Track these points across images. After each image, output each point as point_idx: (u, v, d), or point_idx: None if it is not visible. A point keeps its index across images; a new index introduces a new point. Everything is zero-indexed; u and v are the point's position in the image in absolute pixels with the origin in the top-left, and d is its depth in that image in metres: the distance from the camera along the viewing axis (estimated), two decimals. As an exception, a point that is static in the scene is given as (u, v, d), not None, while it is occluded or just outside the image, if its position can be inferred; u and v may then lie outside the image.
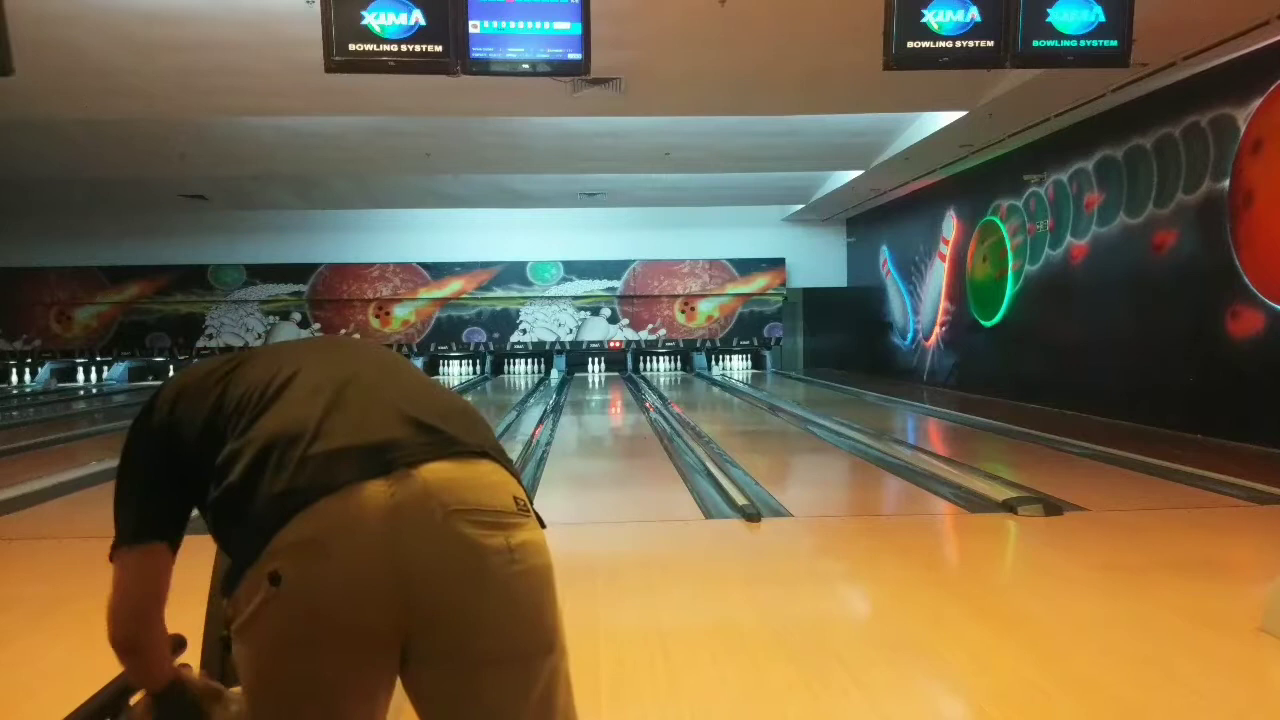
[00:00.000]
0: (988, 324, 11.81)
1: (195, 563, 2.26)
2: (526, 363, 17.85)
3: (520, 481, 1.35)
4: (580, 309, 17.74)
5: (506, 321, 17.70)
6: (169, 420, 1.41)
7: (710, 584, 3.74)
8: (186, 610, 2.21)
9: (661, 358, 18.09)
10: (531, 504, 1.34)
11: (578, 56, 5.34)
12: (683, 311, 17.88)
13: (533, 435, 8.50)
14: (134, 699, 1.53)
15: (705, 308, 17.86)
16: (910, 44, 5.34)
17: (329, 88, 6.63)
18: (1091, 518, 4.83)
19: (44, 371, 17.34)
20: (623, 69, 7.19)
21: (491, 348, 17.72)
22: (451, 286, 17.55)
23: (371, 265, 17.37)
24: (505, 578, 1.22)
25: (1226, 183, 7.31)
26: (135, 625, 1.41)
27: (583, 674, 2.80)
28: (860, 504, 6.11)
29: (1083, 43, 5.39)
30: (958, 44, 5.37)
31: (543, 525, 1.35)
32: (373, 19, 5.20)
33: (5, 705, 2.58)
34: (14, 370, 17.41)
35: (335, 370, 1.38)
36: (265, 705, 1.24)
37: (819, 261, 17.85)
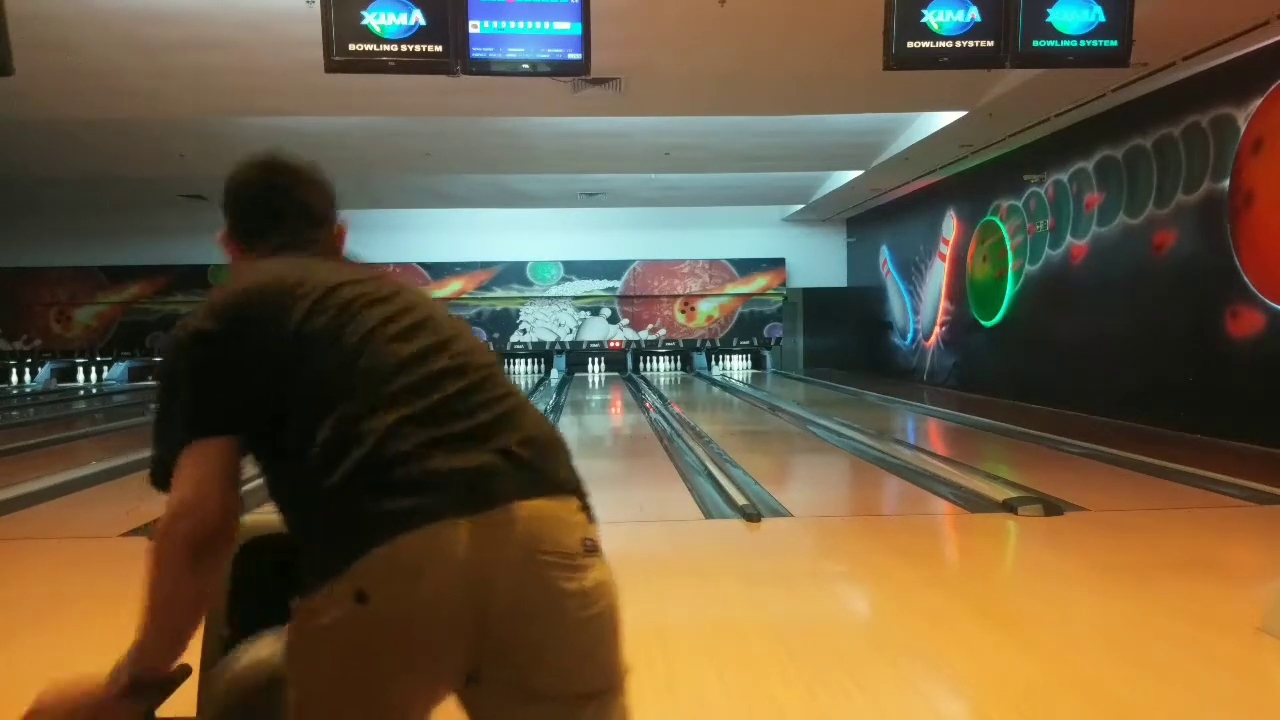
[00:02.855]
0: (988, 324, 11.81)
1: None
2: (526, 363, 17.85)
3: (592, 515, 1.34)
4: (580, 309, 17.74)
5: (506, 321, 17.70)
6: (234, 333, 1.30)
7: (710, 584, 3.74)
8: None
9: (661, 358, 18.09)
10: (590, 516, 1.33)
11: (578, 56, 5.35)
12: (683, 311, 17.88)
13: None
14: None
15: (705, 308, 17.86)
16: (910, 44, 5.35)
17: (329, 87, 6.63)
18: (1091, 518, 4.83)
19: (44, 371, 17.34)
20: (623, 69, 7.19)
21: (491, 348, 17.62)
22: (451, 286, 17.54)
23: (371, 265, 17.36)
24: (579, 621, 1.24)
25: (1226, 183, 7.31)
26: (201, 548, 1.23)
27: (583, 674, 2.81)
28: (860, 504, 6.11)
29: (1083, 43, 5.40)
30: (958, 44, 5.38)
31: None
32: (373, 19, 5.21)
33: (5, 705, 2.57)
34: (14, 370, 17.41)
35: (441, 356, 1.32)
36: (318, 710, 1.23)
37: (819, 261, 17.86)
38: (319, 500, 1.22)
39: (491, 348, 1.51)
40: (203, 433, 1.26)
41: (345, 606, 1.16)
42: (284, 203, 1.55)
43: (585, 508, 1.32)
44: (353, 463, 1.20)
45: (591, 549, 1.28)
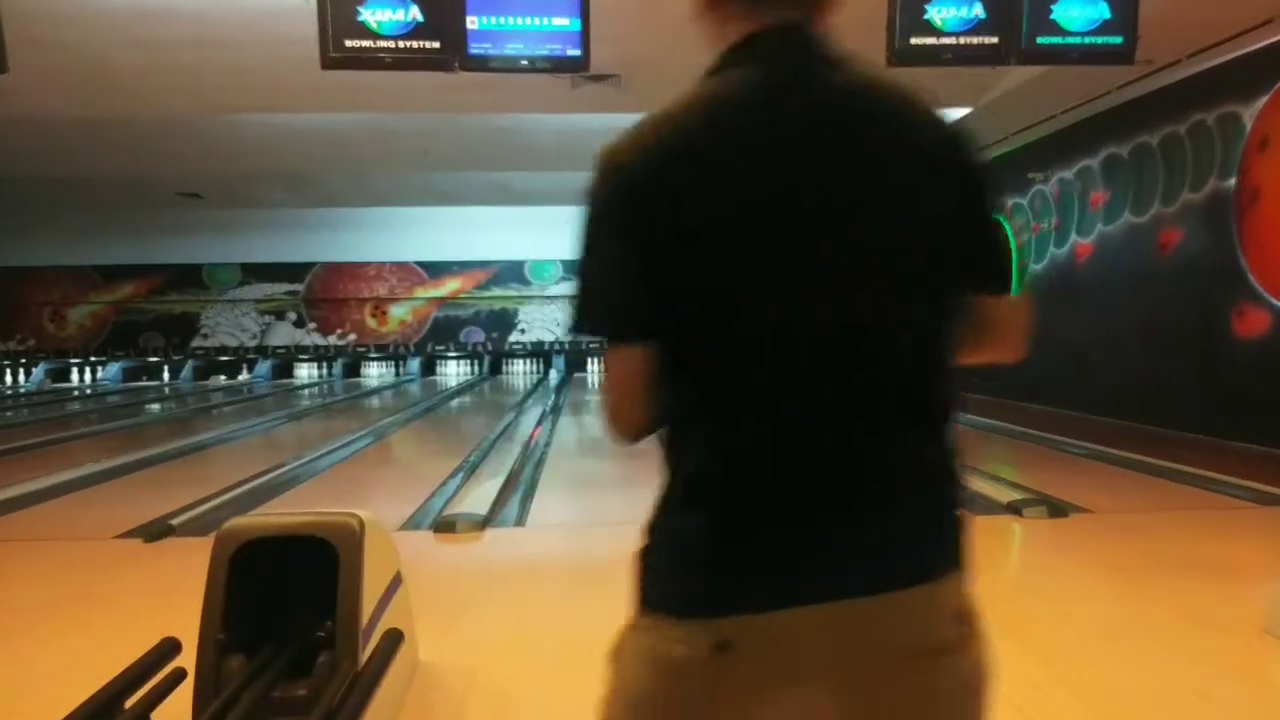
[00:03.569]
0: (988, 323, 11.77)
1: (194, 562, 2.21)
2: (525, 363, 17.80)
3: (964, 570, 1.18)
4: (579, 308, 17.71)
5: (505, 321, 17.65)
6: (635, 197, 1.09)
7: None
8: (185, 609, 2.16)
9: (660, 357, 18.05)
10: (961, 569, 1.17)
11: (577, 53, 5.30)
12: (682, 311, 17.85)
13: (531, 436, 8.45)
14: None
15: (704, 307, 17.83)
16: (913, 40, 5.31)
17: (325, 85, 6.58)
18: (1096, 519, 4.80)
19: (38, 372, 17.29)
20: (622, 65, 7.14)
21: (489, 348, 17.68)
22: (449, 286, 17.51)
23: (368, 264, 17.31)
24: (952, 712, 1.18)
25: (1233, 181, 7.27)
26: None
27: (584, 677, 2.76)
28: (862, 504, 6.07)
29: (1087, 39, 5.36)
30: (961, 40, 5.34)
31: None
32: (369, 15, 5.16)
33: (5, 705, 2.54)
34: (7, 370, 17.36)
35: (840, 375, 1.06)
36: None
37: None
38: (680, 504, 1.10)
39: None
40: (603, 334, 1.11)
41: (703, 650, 1.06)
42: None
43: (960, 569, 1.17)
44: (706, 507, 1.08)
45: (961, 621, 1.17)
